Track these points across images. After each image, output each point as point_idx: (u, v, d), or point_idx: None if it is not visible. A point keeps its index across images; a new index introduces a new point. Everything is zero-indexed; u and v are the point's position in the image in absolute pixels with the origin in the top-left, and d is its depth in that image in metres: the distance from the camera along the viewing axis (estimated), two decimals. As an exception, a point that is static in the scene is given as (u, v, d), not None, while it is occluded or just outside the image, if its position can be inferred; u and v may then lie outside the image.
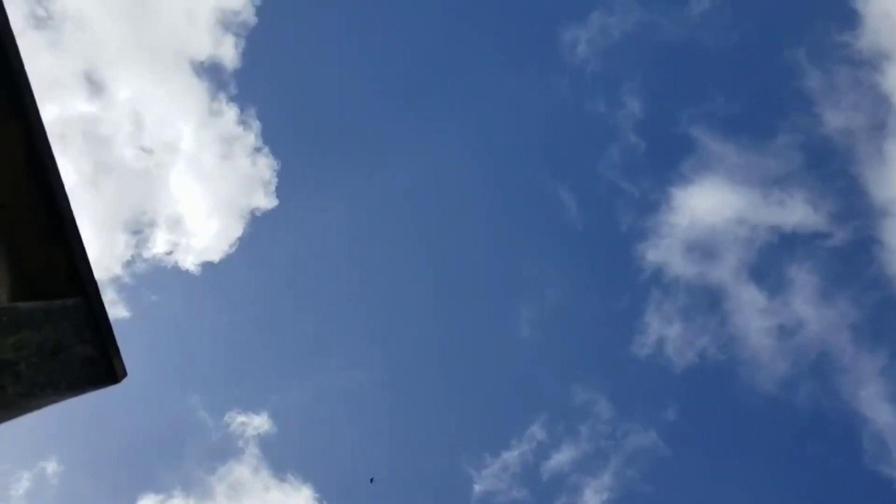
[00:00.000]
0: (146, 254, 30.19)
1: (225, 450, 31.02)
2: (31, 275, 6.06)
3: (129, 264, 30.15)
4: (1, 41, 5.42)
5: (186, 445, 32.01)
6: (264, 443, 30.58)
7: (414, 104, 33.56)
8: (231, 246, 30.56)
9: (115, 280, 30.21)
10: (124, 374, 6.42)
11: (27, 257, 6.03)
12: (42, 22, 28.58)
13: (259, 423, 30.55)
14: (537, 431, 30.43)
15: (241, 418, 30.78)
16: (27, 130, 5.72)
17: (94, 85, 29.78)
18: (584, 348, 32.80)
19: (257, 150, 30.89)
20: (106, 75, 29.56)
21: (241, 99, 31.14)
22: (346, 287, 34.00)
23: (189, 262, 30.44)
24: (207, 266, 30.73)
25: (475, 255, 33.73)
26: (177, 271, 30.59)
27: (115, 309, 29.97)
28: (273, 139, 31.50)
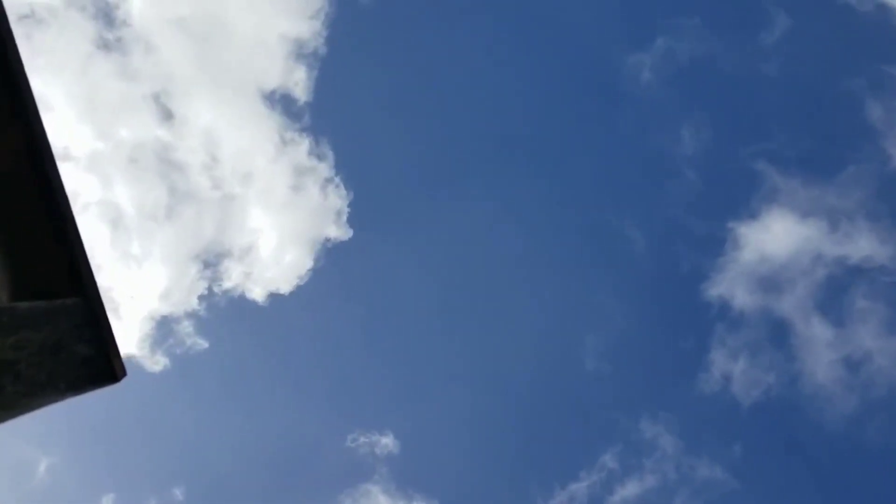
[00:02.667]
0: (221, 286, 30.28)
1: (354, 471, 31.38)
2: (31, 275, 6.10)
3: (204, 297, 30.23)
4: (2, 42, 5.45)
5: (314, 467, 32.20)
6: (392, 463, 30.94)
7: (481, 134, 33.69)
8: (304, 277, 30.67)
9: (192, 314, 30.29)
10: (124, 373, 6.46)
11: (27, 257, 6.06)
12: (110, 45, 28.70)
13: (386, 442, 30.82)
14: (605, 463, 30.63)
15: (364, 439, 31.08)
16: (28, 132, 5.75)
17: (163, 111, 29.73)
18: (649, 382, 32.98)
19: (329, 180, 30.97)
20: (174, 102, 29.56)
21: (314, 129, 31.09)
22: (418, 317, 34.18)
23: (261, 292, 30.42)
24: (283, 297, 30.74)
25: (542, 287, 34.11)
26: (252, 303, 30.63)
27: (193, 339, 30.18)
28: (346, 169, 31.55)
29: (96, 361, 6.14)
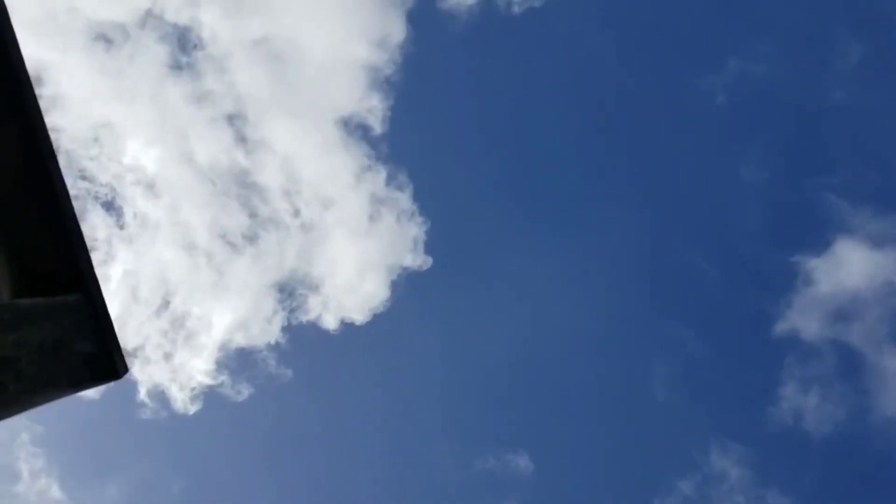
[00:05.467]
0: (301, 316, 30.10)
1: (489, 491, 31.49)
2: (32, 272, 6.08)
3: (287, 328, 30.07)
4: (2, 40, 5.41)
5: (457, 490, 32.28)
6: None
7: (556, 162, 33.61)
8: (385, 305, 30.49)
9: (275, 347, 30.15)
10: (125, 369, 6.45)
11: (28, 254, 6.04)
12: (184, 68, 28.46)
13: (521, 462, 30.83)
14: (680, 489, 30.71)
15: (493, 460, 31.12)
16: (29, 128, 5.72)
17: (237, 135, 29.45)
18: (719, 413, 33.00)
19: (407, 210, 30.75)
20: (247, 129, 29.35)
21: (391, 158, 30.92)
22: (492, 348, 34.21)
23: (340, 321, 30.28)
24: (360, 325, 30.61)
25: (614, 319, 34.16)
26: (331, 332, 30.51)
27: (280, 369, 30.08)
28: (424, 198, 31.37)
29: (98, 358, 6.12)
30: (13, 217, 5.97)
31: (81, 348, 6.01)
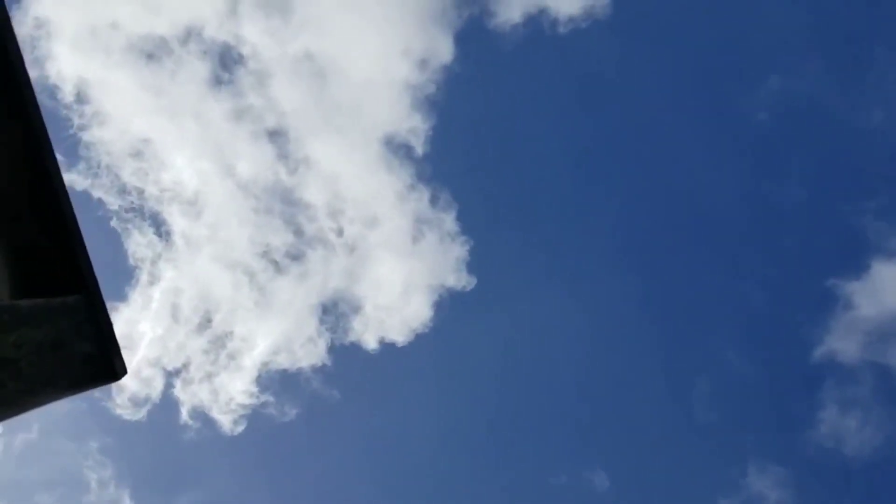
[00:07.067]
0: (344, 337, 29.99)
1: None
2: (31, 272, 6.07)
3: (332, 349, 29.94)
4: (2, 40, 5.41)
5: None
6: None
7: (602, 181, 33.65)
8: (428, 325, 30.36)
9: (321, 368, 30.02)
10: (124, 371, 6.43)
11: (27, 255, 6.03)
12: (225, 85, 28.47)
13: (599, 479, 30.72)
14: None
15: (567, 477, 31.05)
16: (28, 130, 5.72)
17: (280, 152, 29.36)
18: (759, 435, 33.10)
19: (450, 231, 30.69)
20: (290, 146, 29.28)
21: (434, 177, 30.88)
22: (535, 368, 34.25)
23: (381, 341, 30.12)
24: (407, 346, 30.47)
25: (657, 339, 34.31)
26: (373, 352, 30.36)
27: (326, 390, 29.93)
28: (468, 219, 31.35)
29: (97, 359, 6.10)
30: (12, 218, 5.96)
31: (81, 349, 5.99)
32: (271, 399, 29.59)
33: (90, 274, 6.13)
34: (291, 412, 29.98)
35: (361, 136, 30.56)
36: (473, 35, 30.98)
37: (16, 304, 5.75)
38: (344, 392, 31.67)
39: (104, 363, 6.20)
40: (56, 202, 5.92)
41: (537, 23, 30.36)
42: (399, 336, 29.79)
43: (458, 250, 30.35)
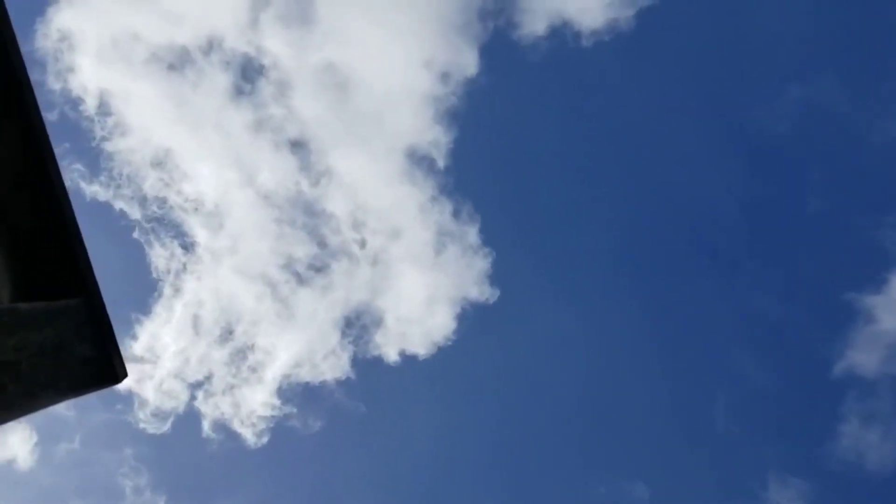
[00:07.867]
0: (367, 349, 29.90)
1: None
2: (32, 275, 6.04)
3: (355, 362, 29.84)
4: (2, 40, 5.38)
5: None
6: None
7: (623, 191, 33.68)
8: (451, 338, 30.31)
9: (345, 382, 29.90)
10: (125, 373, 6.41)
11: (28, 258, 6.00)
12: (247, 96, 28.40)
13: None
14: None
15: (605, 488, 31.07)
16: (28, 130, 5.69)
17: (302, 163, 29.25)
18: (780, 447, 33.34)
19: (473, 243, 30.64)
20: (312, 157, 29.22)
21: (457, 189, 30.82)
22: (556, 379, 34.31)
23: (404, 353, 30.05)
24: (430, 359, 30.41)
25: (679, 351, 34.53)
26: (396, 364, 30.31)
27: (350, 402, 29.84)
28: (490, 231, 31.33)
29: (98, 362, 6.09)
30: (14, 221, 5.93)
31: (81, 352, 5.97)
32: (294, 411, 29.55)
33: (90, 277, 6.11)
34: (315, 424, 29.90)
35: (384, 147, 30.44)
36: (497, 47, 30.85)
37: (16, 306, 5.72)
38: (368, 404, 31.57)
39: (104, 365, 6.18)
40: (57, 206, 5.89)
41: (561, 35, 30.27)
42: (422, 349, 29.76)
43: (481, 263, 30.26)
